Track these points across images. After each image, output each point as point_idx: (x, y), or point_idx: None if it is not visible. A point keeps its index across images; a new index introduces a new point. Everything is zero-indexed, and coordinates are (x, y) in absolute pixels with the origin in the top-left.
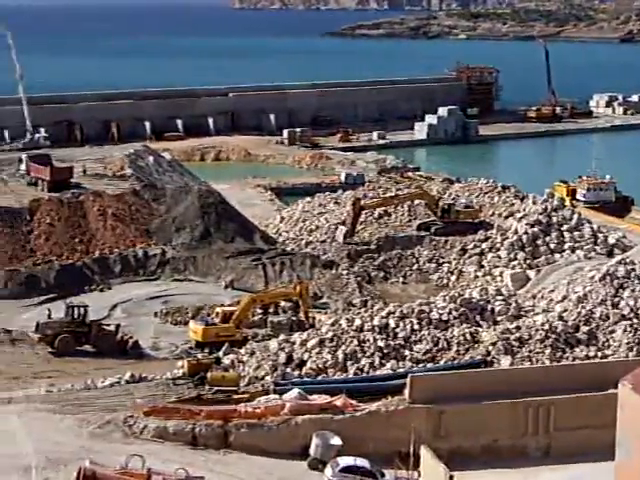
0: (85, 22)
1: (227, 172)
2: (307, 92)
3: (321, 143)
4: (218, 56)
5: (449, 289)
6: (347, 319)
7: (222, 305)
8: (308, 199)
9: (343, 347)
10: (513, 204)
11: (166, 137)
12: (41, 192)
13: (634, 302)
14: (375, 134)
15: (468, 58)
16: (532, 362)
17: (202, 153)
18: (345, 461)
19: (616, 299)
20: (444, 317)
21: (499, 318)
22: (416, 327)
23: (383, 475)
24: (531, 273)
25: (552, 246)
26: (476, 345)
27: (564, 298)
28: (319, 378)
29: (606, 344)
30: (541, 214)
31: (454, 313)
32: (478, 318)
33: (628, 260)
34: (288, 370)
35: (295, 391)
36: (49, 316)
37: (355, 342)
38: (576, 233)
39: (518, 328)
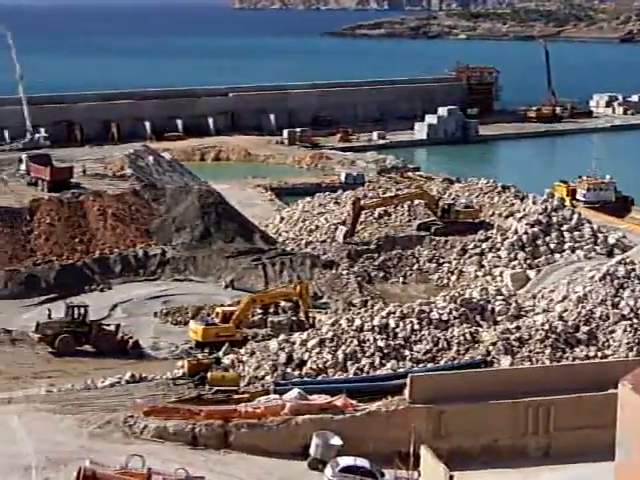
0: (85, 22)
1: (227, 172)
2: (307, 92)
3: (321, 143)
4: (218, 56)
5: (449, 289)
6: (347, 319)
7: (222, 305)
8: (308, 199)
9: (343, 347)
10: (513, 204)
11: (166, 137)
12: (41, 192)
13: (634, 302)
14: (375, 134)
15: (468, 58)
16: (532, 362)
17: (202, 153)
18: (345, 461)
19: (616, 299)
20: (444, 317)
21: (499, 318)
22: (416, 327)
23: (383, 475)
24: (531, 273)
25: (552, 246)
26: (476, 345)
27: (564, 298)
28: (319, 378)
29: (606, 344)
30: (541, 214)
31: (454, 313)
32: (478, 318)
33: (628, 260)
34: (288, 370)
35: (295, 391)
36: (49, 316)
37: (355, 342)
38: (576, 233)
39: (518, 328)
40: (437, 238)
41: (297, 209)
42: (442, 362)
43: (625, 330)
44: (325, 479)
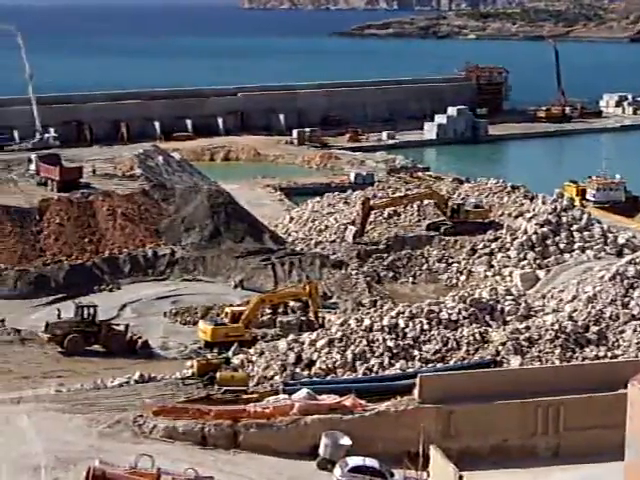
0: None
1: (236, 172)
2: (316, 92)
3: (330, 143)
4: (227, 56)
5: (458, 289)
6: (356, 319)
7: (231, 305)
8: (317, 199)
9: (352, 347)
10: (522, 204)
11: (175, 137)
12: (50, 192)
13: None
14: (384, 134)
15: (477, 58)
16: (542, 362)
17: (211, 153)
18: (354, 461)
19: (626, 299)
20: (453, 317)
21: (509, 318)
22: (425, 327)
23: (392, 475)
24: (541, 273)
25: (562, 246)
26: (486, 345)
27: (574, 298)
28: (328, 378)
29: (616, 344)
30: (551, 214)
31: (463, 313)
32: (488, 318)
33: (638, 260)
34: (297, 370)
35: (304, 391)
36: (59, 316)
37: (364, 342)
38: (586, 233)
39: (528, 328)
40: (446, 238)
41: (306, 209)
42: (451, 362)
43: (635, 330)
44: (334, 479)
